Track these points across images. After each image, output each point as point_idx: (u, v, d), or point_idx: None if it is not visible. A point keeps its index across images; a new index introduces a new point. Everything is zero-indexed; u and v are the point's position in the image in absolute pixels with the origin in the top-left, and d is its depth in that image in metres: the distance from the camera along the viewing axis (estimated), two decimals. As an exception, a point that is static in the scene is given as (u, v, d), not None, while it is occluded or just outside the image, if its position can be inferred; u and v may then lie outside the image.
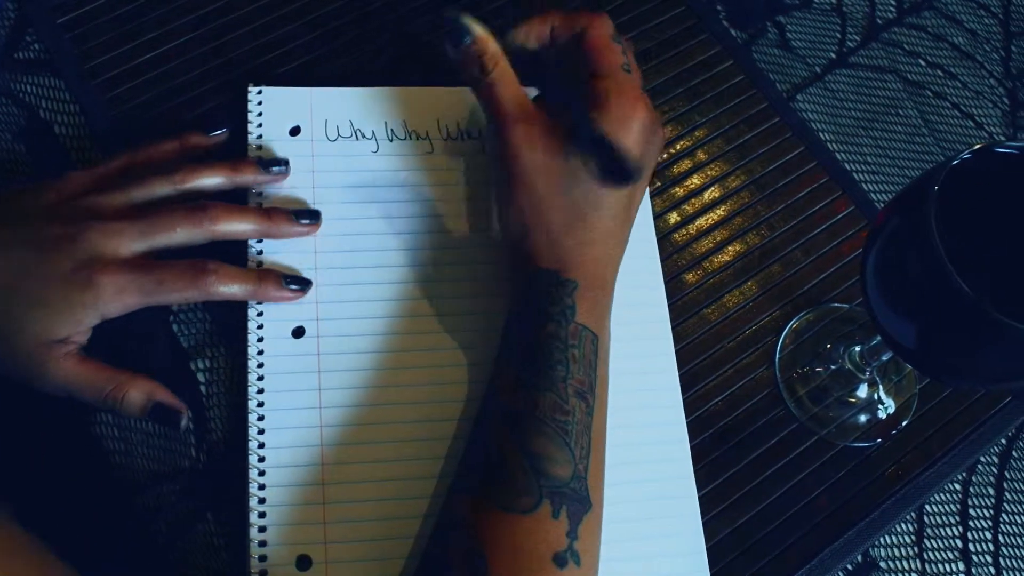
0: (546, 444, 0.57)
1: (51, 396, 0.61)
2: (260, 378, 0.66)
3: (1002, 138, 0.84)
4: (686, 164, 0.78)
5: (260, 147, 0.72)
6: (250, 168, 0.69)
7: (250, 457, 0.64)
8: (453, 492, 0.61)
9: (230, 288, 0.64)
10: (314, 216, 0.69)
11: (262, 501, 0.63)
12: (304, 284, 0.68)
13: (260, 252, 0.69)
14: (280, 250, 0.69)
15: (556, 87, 0.67)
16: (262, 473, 0.63)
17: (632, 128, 0.62)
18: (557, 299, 0.61)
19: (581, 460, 0.58)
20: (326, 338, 0.68)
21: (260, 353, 0.67)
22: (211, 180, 0.67)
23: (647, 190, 0.68)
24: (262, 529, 0.62)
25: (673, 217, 0.76)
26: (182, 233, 0.63)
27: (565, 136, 0.63)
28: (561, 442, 0.57)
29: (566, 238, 0.62)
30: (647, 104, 0.63)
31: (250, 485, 0.63)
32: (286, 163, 0.70)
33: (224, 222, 0.65)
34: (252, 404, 0.65)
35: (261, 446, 0.64)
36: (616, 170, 0.62)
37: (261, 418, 0.65)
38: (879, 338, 0.67)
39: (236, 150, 0.72)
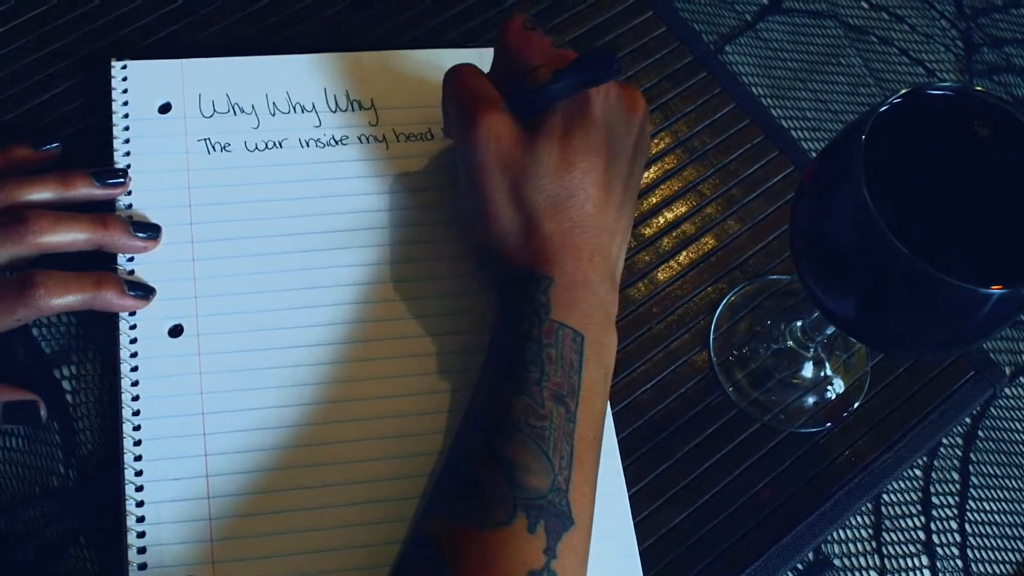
0: (520, 451, 0.56)
1: None
2: (134, 383, 0.65)
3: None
4: (606, 128, 0.77)
5: (128, 128, 0.71)
6: (83, 181, 0.67)
7: (126, 471, 0.63)
8: (425, 510, 0.60)
9: (64, 299, 0.62)
10: (154, 231, 0.68)
11: (140, 520, 0.62)
12: (147, 291, 0.66)
13: (132, 259, 0.67)
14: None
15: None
16: (140, 488, 0.62)
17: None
18: (530, 297, 0.60)
19: (561, 471, 0.56)
20: (207, 336, 0.66)
21: (133, 356, 0.65)
22: (38, 196, 0.65)
23: (636, 177, 0.67)
24: (141, 551, 0.61)
25: (593, 187, 0.75)
26: (3, 252, 0.62)
27: (530, 124, 0.63)
28: (537, 450, 0.56)
29: (538, 232, 0.62)
30: None
31: (126, 502, 0.62)
32: (124, 173, 0.68)
33: (49, 233, 0.63)
34: (126, 413, 0.64)
35: (138, 459, 0.63)
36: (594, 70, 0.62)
37: (137, 428, 0.64)
38: (820, 310, 0.66)
39: (100, 132, 0.70)
